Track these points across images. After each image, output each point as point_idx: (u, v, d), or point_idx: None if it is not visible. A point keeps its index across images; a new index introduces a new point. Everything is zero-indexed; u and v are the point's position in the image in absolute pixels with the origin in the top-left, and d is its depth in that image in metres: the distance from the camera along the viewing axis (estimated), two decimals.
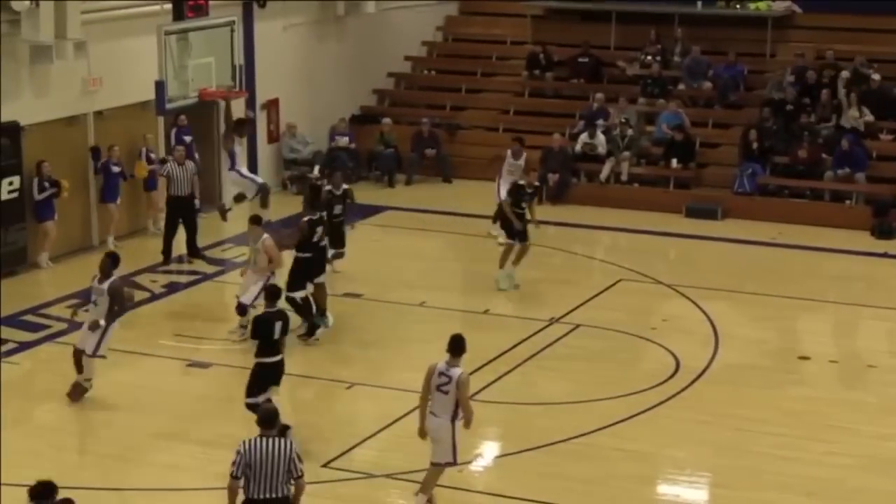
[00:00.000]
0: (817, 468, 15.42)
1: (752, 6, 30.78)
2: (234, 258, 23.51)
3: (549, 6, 32.63)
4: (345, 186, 21.66)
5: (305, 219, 19.30)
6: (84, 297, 21.14)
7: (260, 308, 16.55)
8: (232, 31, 23.89)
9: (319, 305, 19.61)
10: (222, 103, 23.12)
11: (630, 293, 21.91)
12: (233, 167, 22.16)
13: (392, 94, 32.35)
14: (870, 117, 27.42)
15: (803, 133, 27.34)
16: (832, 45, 29.48)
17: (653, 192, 27.46)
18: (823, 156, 26.85)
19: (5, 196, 21.88)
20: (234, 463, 11.65)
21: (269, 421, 11.89)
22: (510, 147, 23.96)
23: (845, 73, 28.09)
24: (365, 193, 27.90)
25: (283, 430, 13.68)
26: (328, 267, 20.39)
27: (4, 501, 13.38)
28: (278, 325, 15.50)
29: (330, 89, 29.70)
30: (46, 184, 22.35)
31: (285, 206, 25.37)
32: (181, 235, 23.00)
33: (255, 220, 18.97)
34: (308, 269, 19.20)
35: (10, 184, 22.00)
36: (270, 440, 11.73)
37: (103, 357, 16.75)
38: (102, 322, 16.60)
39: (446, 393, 13.72)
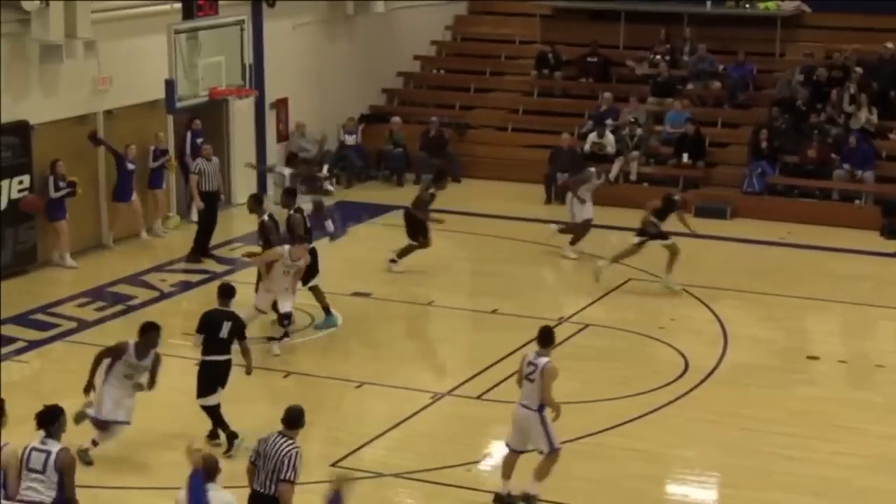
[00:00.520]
0: (825, 468, 15.43)
1: (761, 6, 30.77)
2: (243, 257, 23.57)
3: (558, 6, 32.63)
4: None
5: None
6: (93, 296, 21.31)
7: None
8: (241, 30, 23.97)
9: (322, 306, 19.66)
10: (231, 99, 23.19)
11: (639, 293, 21.91)
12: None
13: (401, 94, 32.37)
14: (874, 117, 27.40)
15: (812, 132, 27.33)
16: (841, 44, 29.47)
17: (662, 192, 27.39)
18: (833, 155, 26.85)
19: (15, 195, 21.93)
20: (253, 449, 12.07)
21: (287, 420, 12.02)
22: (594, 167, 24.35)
23: (858, 70, 28.06)
24: (373, 193, 28.00)
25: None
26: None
27: None
28: (227, 325, 15.51)
29: (339, 88, 29.74)
30: (61, 182, 22.40)
31: None
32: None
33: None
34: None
35: (21, 183, 22.05)
36: (278, 437, 11.89)
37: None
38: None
39: (532, 381, 13.92)
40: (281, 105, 28.27)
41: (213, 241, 23.48)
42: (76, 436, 12.55)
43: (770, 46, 30.64)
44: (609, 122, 28.74)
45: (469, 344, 20.06)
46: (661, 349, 19.22)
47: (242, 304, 17.58)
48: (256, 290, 19.10)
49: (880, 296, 22.00)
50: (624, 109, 28.89)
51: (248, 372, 15.79)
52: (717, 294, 21.58)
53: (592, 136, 28.44)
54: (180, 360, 18.57)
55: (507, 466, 14.31)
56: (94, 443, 15.04)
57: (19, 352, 18.85)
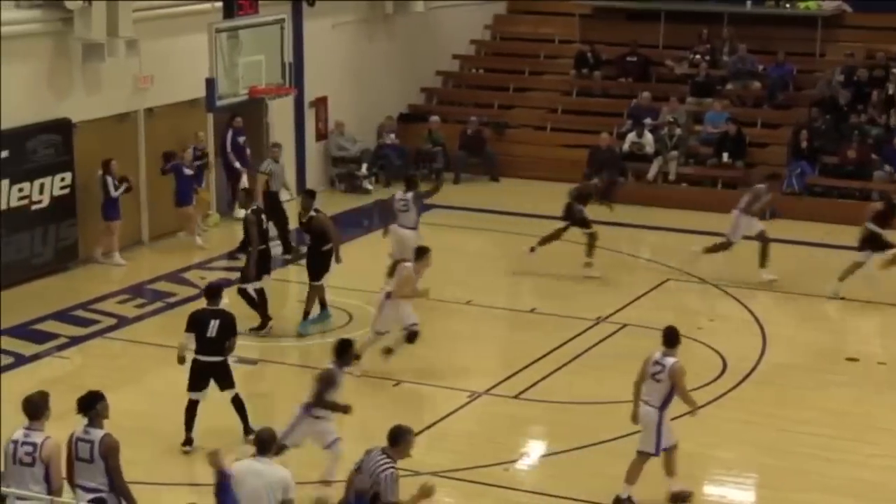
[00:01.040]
0: (863, 470, 15.38)
1: (801, 5, 30.66)
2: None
3: (598, 5, 32.58)
4: None
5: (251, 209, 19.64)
6: (133, 293, 21.44)
7: None
8: (282, 28, 24.10)
9: (322, 302, 19.88)
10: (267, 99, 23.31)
11: (677, 293, 21.90)
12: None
13: (440, 93, 32.42)
14: None
15: (853, 133, 27.22)
16: (883, 44, 29.33)
17: (701, 192, 27.41)
18: (873, 156, 26.73)
19: (57, 192, 22.10)
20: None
21: (393, 438, 11.94)
22: (762, 182, 23.01)
23: None
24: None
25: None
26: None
27: None
28: (214, 324, 15.52)
29: (378, 87, 29.80)
30: (117, 182, 22.53)
31: (332, 203, 25.52)
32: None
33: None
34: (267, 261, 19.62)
35: (62, 180, 22.22)
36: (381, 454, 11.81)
37: None
38: None
39: (659, 381, 14.02)
40: (320, 104, 28.36)
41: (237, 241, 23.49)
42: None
43: (810, 46, 30.52)
44: (648, 121, 28.70)
45: (506, 343, 20.09)
46: (700, 349, 19.18)
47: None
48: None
49: None
50: (663, 109, 28.84)
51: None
52: (755, 294, 21.53)
53: (631, 136, 28.41)
54: None
55: (633, 471, 14.31)
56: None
57: (60, 348, 19.01)
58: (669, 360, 14.05)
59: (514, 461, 15.59)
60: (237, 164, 25.25)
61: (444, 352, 19.34)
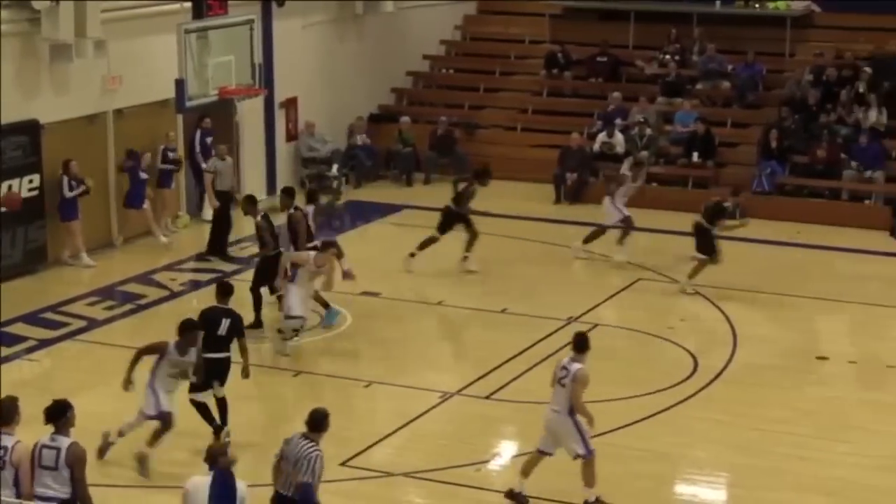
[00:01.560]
0: (836, 468, 15.41)
1: (770, 5, 30.76)
2: (252, 256, 23.61)
3: (568, 5, 32.62)
4: None
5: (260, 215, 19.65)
6: (103, 295, 21.32)
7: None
8: (251, 29, 24.01)
9: (321, 303, 19.80)
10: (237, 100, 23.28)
11: (648, 293, 21.91)
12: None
13: (410, 93, 32.38)
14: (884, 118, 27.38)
15: (822, 133, 27.31)
16: (851, 44, 29.45)
17: (671, 192, 27.44)
18: (842, 155, 26.82)
19: (25, 194, 21.96)
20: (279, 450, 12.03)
21: (310, 423, 11.98)
22: (629, 171, 23.96)
23: (868, 70, 28.03)
24: (383, 192, 28.01)
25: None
26: None
27: None
28: (225, 322, 15.53)
29: (349, 88, 29.74)
30: (73, 182, 22.42)
31: (302, 204, 25.45)
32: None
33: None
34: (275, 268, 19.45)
35: (31, 182, 22.08)
36: (300, 439, 11.87)
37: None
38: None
39: (564, 386, 13.93)
40: (290, 104, 28.27)
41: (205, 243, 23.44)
42: (82, 432, 12.53)
43: (780, 46, 30.60)
44: (618, 121, 28.72)
45: (478, 344, 20.06)
46: (671, 349, 19.21)
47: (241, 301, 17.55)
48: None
49: (890, 296, 21.96)
50: (633, 109, 28.86)
51: (245, 374, 15.68)
52: (726, 294, 21.55)
53: (602, 136, 28.43)
54: None
55: (529, 465, 14.33)
56: (121, 433, 15.06)
57: (29, 350, 18.88)
58: (575, 366, 13.94)
59: (485, 461, 15.57)
60: (205, 165, 25.13)
61: (415, 352, 19.30)
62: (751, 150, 27.88)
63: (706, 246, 21.70)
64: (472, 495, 14.69)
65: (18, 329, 19.63)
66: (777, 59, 30.47)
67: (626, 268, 22.78)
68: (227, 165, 23.50)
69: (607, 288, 21.91)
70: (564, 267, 23.31)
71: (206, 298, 21.10)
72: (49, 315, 20.36)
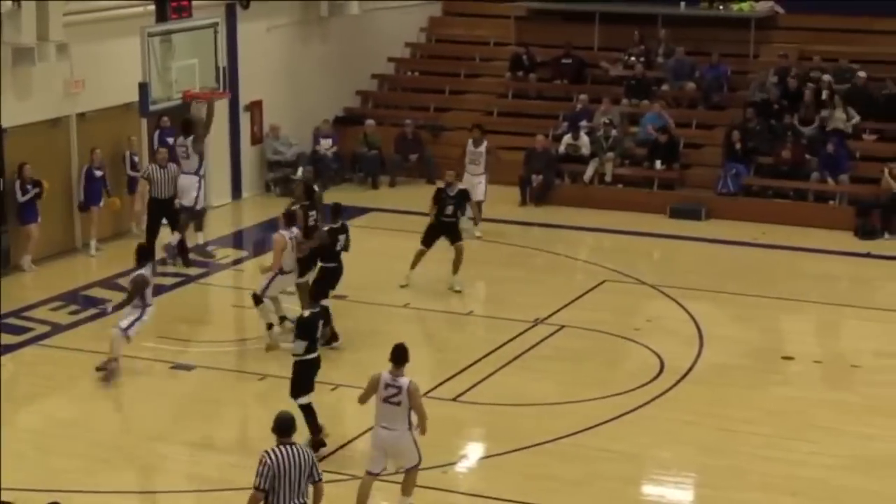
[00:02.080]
0: (802, 468, 15.44)
1: (735, 7, 30.83)
2: (218, 260, 23.55)
3: (533, 7, 32.62)
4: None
5: (326, 227, 19.24)
6: (66, 300, 21.18)
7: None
8: (215, 32, 23.85)
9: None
10: (195, 104, 23.15)
11: (614, 294, 21.91)
12: (198, 172, 22.92)
13: (376, 96, 32.31)
14: (857, 118, 27.45)
15: (787, 134, 27.38)
16: (815, 45, 29.56)
17: (637, 193, 27.47)
18: (807, 156, 26.90)
19: None
20: (259, 475, 11.42)
21: (286, 429, 11.75)
22: (470, 136, 25.02)
23: (827, 77, 28.11)
24: (348, 195, 27.87)
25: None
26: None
27: None
28: (320, 324, 15.81)
29: (314, 91, 29.66)
30: (28, 186, 22.26)
31: (268, 208, 25.44)
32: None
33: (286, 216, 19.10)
34: (333, 279, 19.15)
35: None
36: (292, 447, 11.63)
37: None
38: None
39: (398, 404, 13.65)
40: (255, 107, 28.17)
41: (189, 244, 23.27)
42: None
43: (744, 48, 30.67)
44: (584, 123, 28.73)
45: (445, 346, 20.02)
46: (637, 350, 19.21)
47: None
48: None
49: (855, 296, 22.07)
50: (598, 110, 28.88)
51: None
52: (692, 294, 21.60)
53: (567, 138, 28.43)
54: (154, 363, 18.58)
55: (364, 492, 13.93)
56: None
57: None
58: (404, 381, 13.72)
59: (452, 463, 15.53)
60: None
61: (382, 355, 19.16)
62: (716, 151, 27.93)
63: None
64: (438, 497, 14.64)
65: None
66: (742, 60, 30.54)
67: (590, 269, 22.56)
68: (165, 174, 22.70)
69: (574, 289, 21.90)
70: (530, 269, 23.29)
71: (167, 302, 21.10)
72: (12, 320, 20.18)
